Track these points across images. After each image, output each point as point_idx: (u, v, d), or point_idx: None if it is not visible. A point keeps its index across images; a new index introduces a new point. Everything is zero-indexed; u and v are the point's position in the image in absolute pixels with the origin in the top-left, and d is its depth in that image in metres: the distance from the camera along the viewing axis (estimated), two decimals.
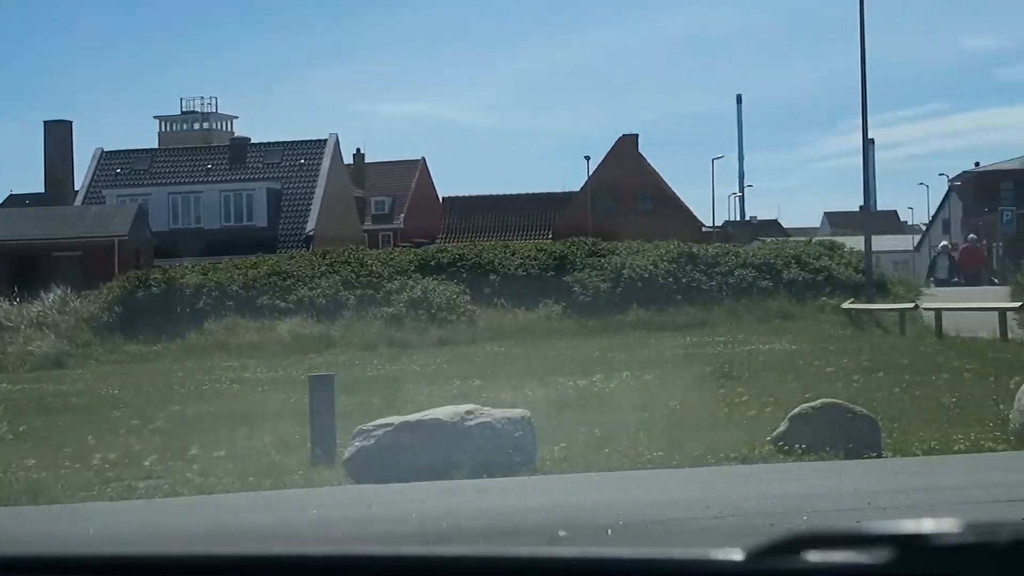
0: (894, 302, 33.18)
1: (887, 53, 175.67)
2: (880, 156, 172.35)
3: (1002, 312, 26.54)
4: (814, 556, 2.18)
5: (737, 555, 2.25)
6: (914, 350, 23.72)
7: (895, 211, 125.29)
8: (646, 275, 35.86)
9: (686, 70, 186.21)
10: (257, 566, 2.69)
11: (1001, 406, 15.01)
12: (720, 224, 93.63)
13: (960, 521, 2.24)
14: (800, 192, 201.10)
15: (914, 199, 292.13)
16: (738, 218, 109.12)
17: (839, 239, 49.20)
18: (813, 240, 45.95)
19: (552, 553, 2.55)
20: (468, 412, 12.79)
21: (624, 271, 35.95)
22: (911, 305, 30.75)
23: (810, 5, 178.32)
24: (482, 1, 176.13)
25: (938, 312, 28.34)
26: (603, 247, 38.28)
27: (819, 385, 17.81)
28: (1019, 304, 28.32)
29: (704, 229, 77.39)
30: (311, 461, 13.05)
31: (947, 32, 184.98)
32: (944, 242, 56.21)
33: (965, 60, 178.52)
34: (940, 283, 46.41)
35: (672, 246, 38.25)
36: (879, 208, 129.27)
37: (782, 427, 13.14)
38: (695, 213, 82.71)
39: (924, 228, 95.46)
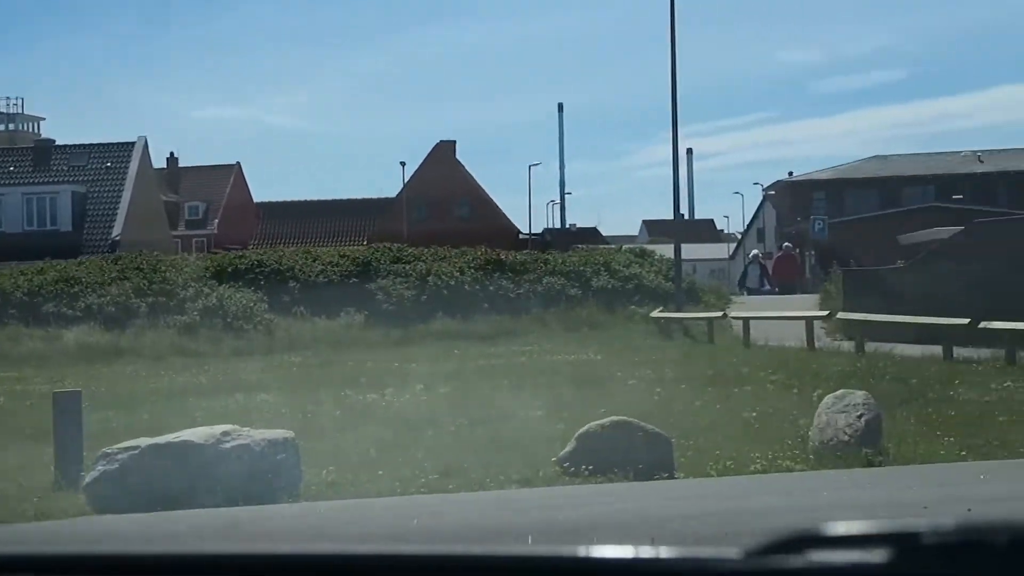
0: (705, 310, 32.63)
1: (708, 65, 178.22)
2: (700, 166, 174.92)
3: (809, 321, 26.11)
4: (814, 555, 2.15)
5: (736, 554, 2.23)
6: (720, 360, 23.13)
7: (712, 220, 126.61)
8: (452, 283, 34.82)
9: (507, 78, 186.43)
10: (257, 565, 2.66)
11: (802, 421, 14.35)
12: (539, 232, 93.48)
13: (960, 521, 2.20)
14: (620, 200, 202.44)
15: (732, 208, 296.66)
16: (558, 226, 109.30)
17: (652, 247, 48.80)
18: (624, 247, 45.35)
19: (549, 552, 2.55)
20: (224, 433, 11.70)
21: (429, 278, 34.86)
22: (719, 314, 30.17)
23: (630, 16, 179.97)
24: (298, 5, 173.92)
25: (746, 321, 27.85)
26: (409, 253, 37.15)
27: (619, 398, 17.07)
28: (826, 313, 27.93)
29: (521, 236, 76.89)
30: (53, 487, 11.97)
31: (766, 46, 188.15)
32: (755, 251, 56.31)
33: (783, 73, 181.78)
34: (752, 291, 46.34)
35: (480, 253, 37.27)
36: (697, 217, 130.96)
37: (569, 447, 12.32)
38: (513, 221, 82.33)
39: (740, 237, 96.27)
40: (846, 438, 13.01)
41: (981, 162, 76.94)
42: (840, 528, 2.23)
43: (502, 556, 2.54)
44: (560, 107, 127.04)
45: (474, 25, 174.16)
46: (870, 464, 12.72)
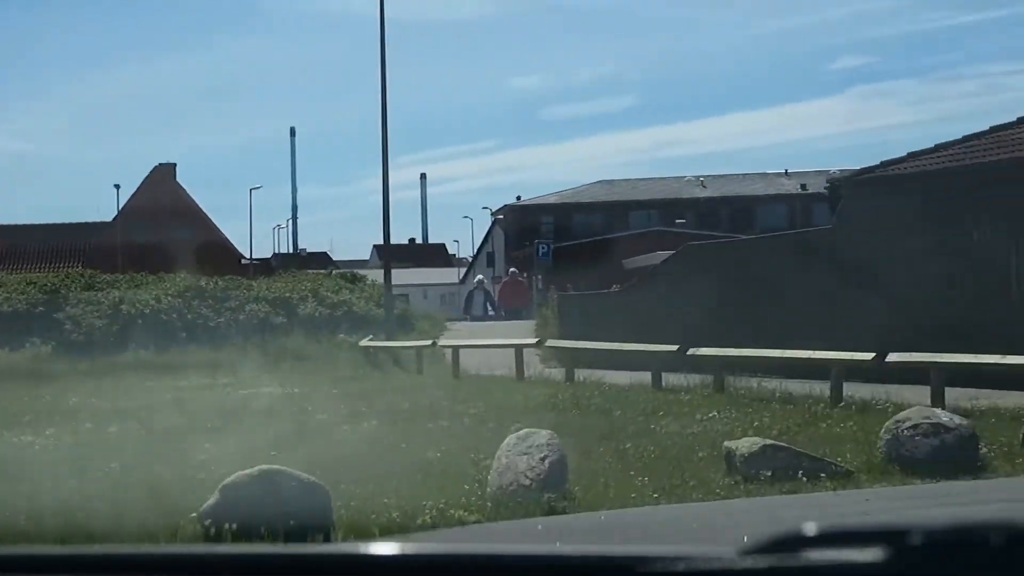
0: (417, 339, 31.40)
1: (442, 91, 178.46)
2: (434, 190, 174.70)
3: (518, 348, 25.06)
4: (812, 554, 2.13)
5: (734, 552, 2.20)
6: (423, 392, 21.92)
7: (444, 244, 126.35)
8: (147, 311, 32.82)
9: (237, 103, 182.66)
10: (259, 563, 2.61)
11: (487, 463, 13.03)
12: (268, 256, 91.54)
13: (957, 520, 2.14)
14: (353, 225, 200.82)
15: (465, 232, 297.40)
16: (290, 250, 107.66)
17: (364, 272, 47.56)
18: (332, 272, 43.96)
19: (547, 551, 2.50)
20: None
21: (123, 307, 32.77)
22: (428, 343, 28.99)
23: (360, 43, 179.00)
24: (17, 26, 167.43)
25: (455, 350, 26.73)
26: (102, 280, 35.16)
27: (299, 438, 15.74)
28: (535, 340, 26.93)
29: (243, 261, 74.67)
30: None
31: (499, 72, 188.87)
32: (480, 277, 55.65)
33: (514, 100, 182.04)
34: (477, 318, 45.62)
35: (179, 279, 35.42)
36: (431, 241, 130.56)
37: (212, 500, 10.78)
38: (239, 246, 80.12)
39: (471, 261, 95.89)
40: (527, 482, 11.81)
41: (704, 187, 78.10)
42: (838, 526, 2.20)
43: (500, 556, 2.48)
44: (292, 131, 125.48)
45: (199, 51, 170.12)
46: (552, 511, 11.57)
